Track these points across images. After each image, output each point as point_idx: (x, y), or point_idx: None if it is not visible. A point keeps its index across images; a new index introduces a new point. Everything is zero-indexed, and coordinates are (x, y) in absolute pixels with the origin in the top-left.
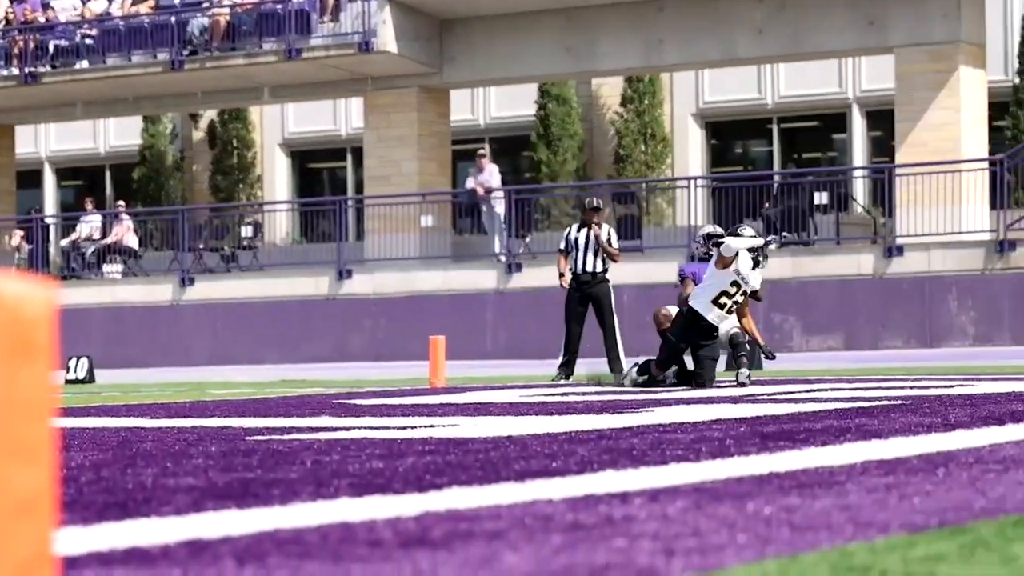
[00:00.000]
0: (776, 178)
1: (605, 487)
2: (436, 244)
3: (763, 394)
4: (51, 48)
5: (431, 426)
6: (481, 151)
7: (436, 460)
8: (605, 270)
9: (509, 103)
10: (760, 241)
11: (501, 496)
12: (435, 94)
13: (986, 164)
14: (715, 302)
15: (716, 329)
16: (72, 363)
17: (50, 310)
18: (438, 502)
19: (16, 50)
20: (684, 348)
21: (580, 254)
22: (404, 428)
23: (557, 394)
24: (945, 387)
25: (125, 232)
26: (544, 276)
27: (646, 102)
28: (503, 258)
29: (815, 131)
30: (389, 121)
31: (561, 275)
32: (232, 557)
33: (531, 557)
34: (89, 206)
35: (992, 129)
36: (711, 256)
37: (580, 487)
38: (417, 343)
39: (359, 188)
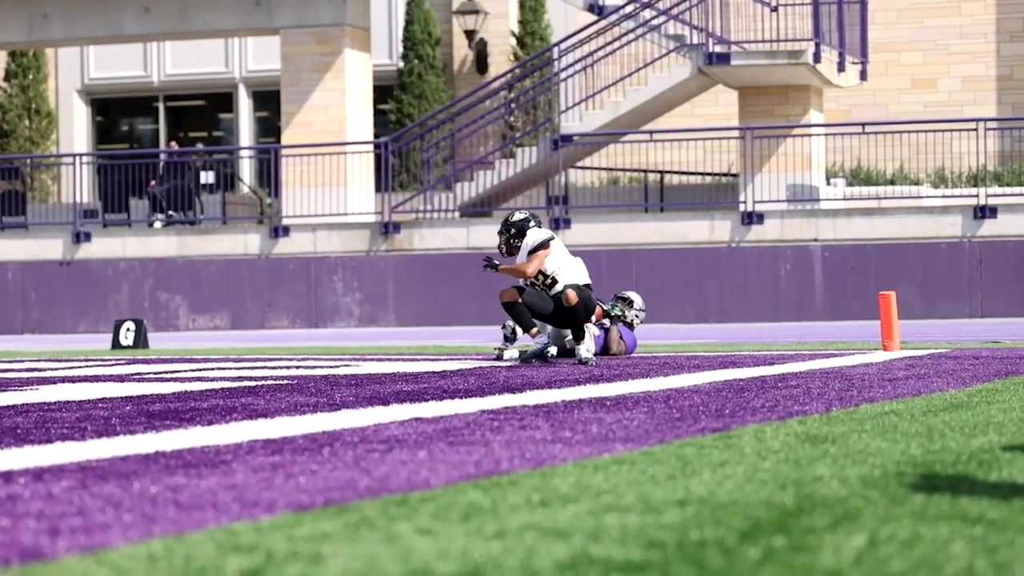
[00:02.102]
0: (162, 156)
1: None
2: None
3: (149, 373)
4: None
5: None
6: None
7: None
8: None
9: None
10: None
11: None
12: None
13: (371, 147)
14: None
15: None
16: None
17: None
18: None
19: None
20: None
21: None
22: None
23: None
24: (331, 367)
25: None
26: None
27: (31, 77)
28: None
29: (202, 110)
30: None
31: None
32: None
33: None
34: None
35: (377, 112)
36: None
37: None
38: None
39: None
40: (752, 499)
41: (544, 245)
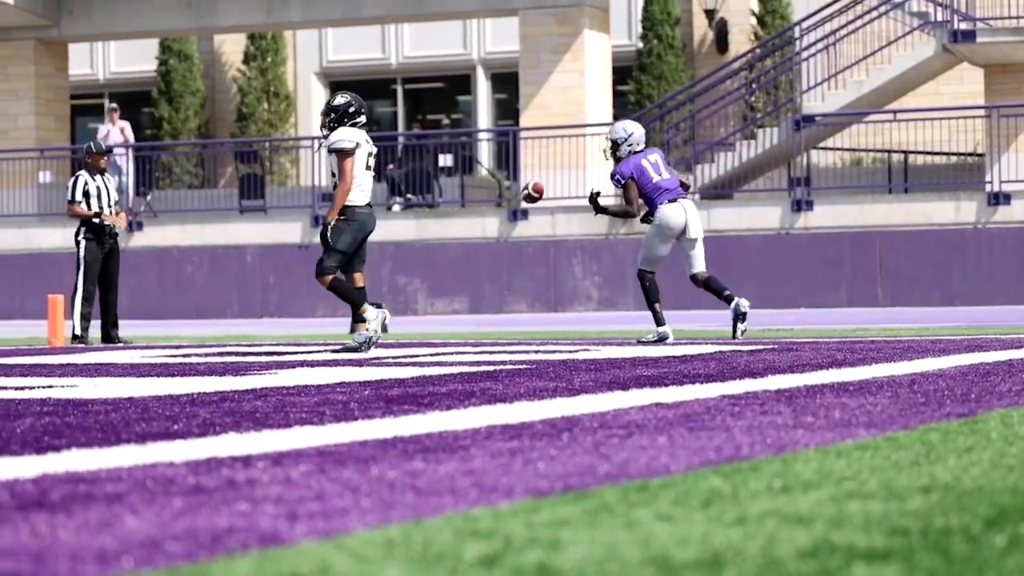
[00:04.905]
0: (400, 139)
1: (227, 450)
2: (54, 201)
3: (388, 357)
4: None
5: (50, 387)
6: (112, 105)
7: (55, 421)
8: None
9: (129, 58)
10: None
11: (121, 458)
12: (53, 47)
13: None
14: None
15: None
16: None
17: None
18: (57, 464)
19: None
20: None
21: (104, 205)
22: (22, 388)
23: (179, 355)
24: (570, 352)
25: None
26: (166, 235)
27: (269, 60)
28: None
29: (440, 92)
30: (6, 74)
31: (105, 222)
32: None
33: (152, 520)
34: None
35: (616, 94)
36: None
37: (202, 450)
38: (35, 301)
39: None
40: (998, 485)
41: (348, 153)
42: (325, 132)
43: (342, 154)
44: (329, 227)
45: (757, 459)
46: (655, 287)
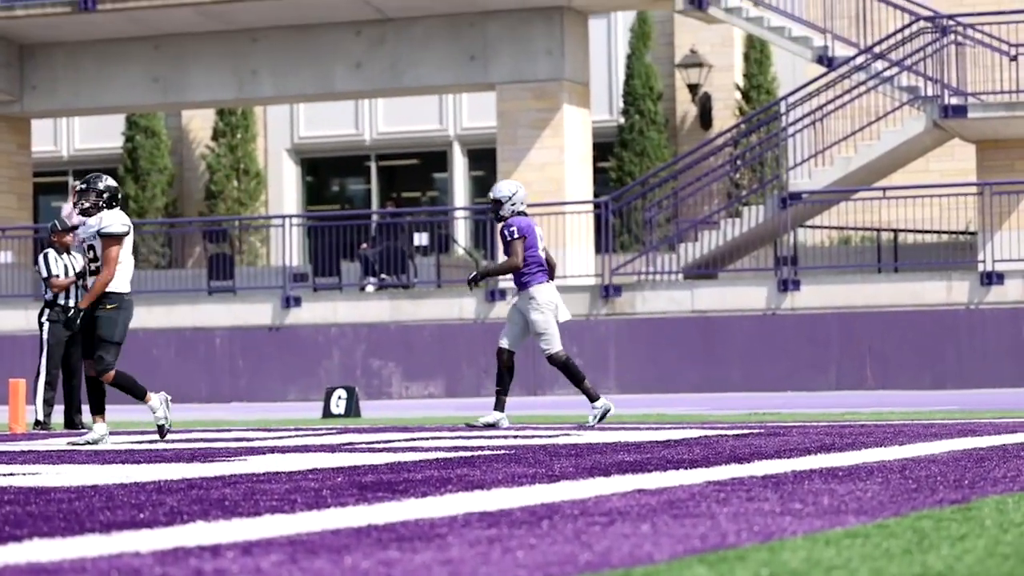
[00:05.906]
0: (374, 217)
1: (195, 539)
2: (16, 281)
3: (361, 443)
4: None
5: (11, 474)
6: (77, 184)
7: (16, 510)
8: None
9: (94, 134)
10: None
11: (86, 548)
12: (15, 123)
13: (591, 206)
14: None
15: None
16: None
17: None
18: (18, 555)
19: None
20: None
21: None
22: None
23: (145, 442)
24: (549, 436)
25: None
26: (136, 316)
27: (239, 136)
28: None
29: (415, 169)
30: None
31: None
32: None
33: None
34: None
35: (597, 170)
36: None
37: (169, 539)
38: None
39: None
40: (993, 574)
41: (120, 239)
42: (85, 207)
43: (114, 239)
44: (100, 319)
45: (743, 547)
46: (575, 366)
